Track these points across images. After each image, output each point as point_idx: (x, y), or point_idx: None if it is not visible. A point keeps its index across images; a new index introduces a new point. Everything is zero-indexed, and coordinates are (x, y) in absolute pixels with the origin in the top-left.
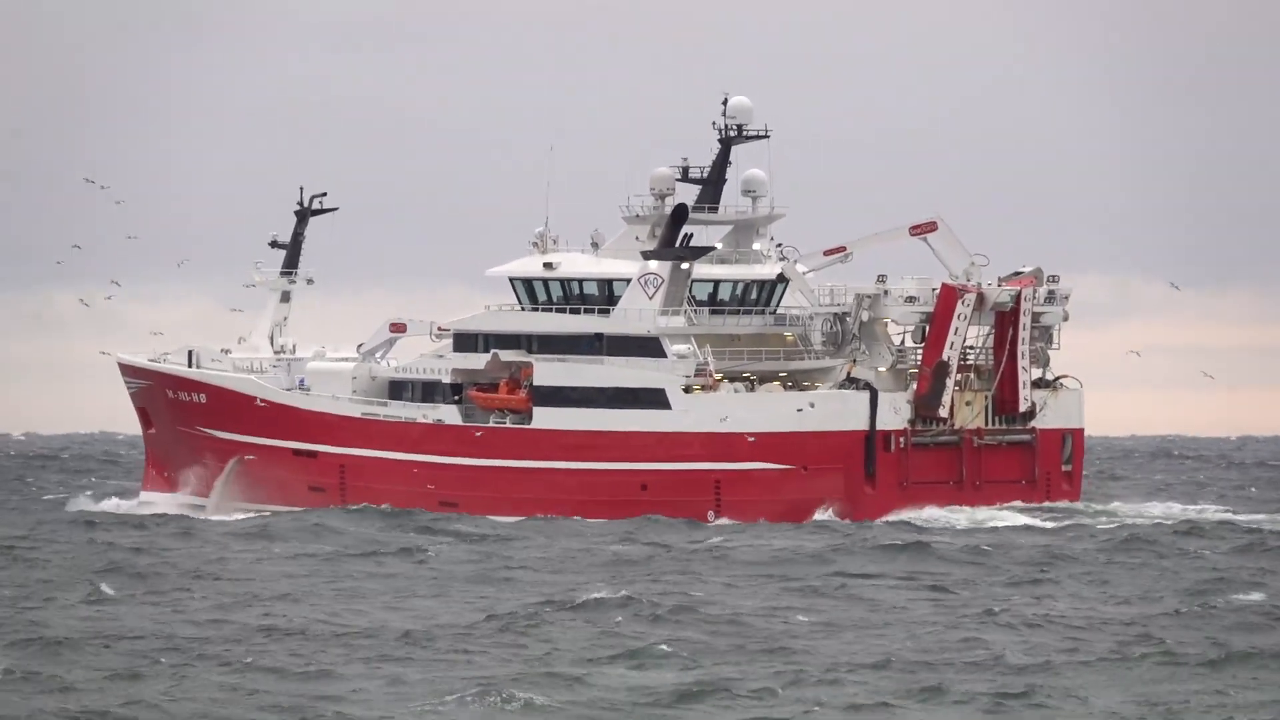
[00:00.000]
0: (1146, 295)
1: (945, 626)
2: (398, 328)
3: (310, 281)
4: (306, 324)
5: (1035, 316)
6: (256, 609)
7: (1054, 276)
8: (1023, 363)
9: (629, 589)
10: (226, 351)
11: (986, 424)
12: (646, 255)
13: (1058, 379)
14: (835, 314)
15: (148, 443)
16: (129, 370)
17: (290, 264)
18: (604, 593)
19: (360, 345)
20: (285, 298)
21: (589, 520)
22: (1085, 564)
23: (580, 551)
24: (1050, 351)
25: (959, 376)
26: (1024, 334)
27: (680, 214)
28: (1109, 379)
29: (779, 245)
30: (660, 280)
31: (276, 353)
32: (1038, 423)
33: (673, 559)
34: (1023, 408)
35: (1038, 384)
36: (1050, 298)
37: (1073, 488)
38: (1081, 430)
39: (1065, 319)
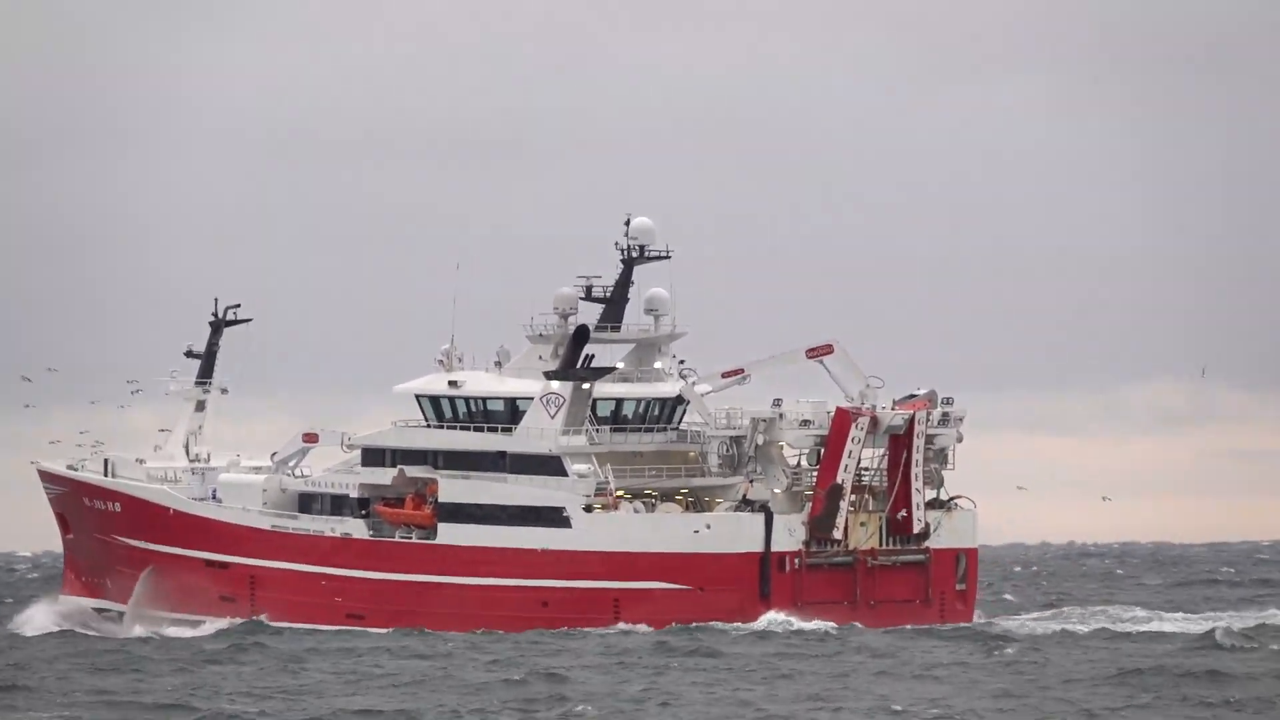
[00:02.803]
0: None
1: None
2: (310, 438)
3: (224, 391)
4: (223, 432)
5: (929, 439)
6: None
7: (948, 399)
8: (916, 484)
9: None
10: (141, 461)
11: (881, 544)
12: (549, 375)
13: (952, 499)
14: (731, 437)
15: (66, 547)
16: (48, 477)
17: (205, 374)
18: None
19: (274, 454)
20: (200, 407)
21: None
22: None
23: None
24: (945, 472)
25: (853, 498)
26: (918, 456)
27: (581, 335)
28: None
29: (681, 363)
30: (562, 400)
31: (191, 462)
32: (931, 543)
33: None
34: (916, 529)
35: (932, 505)
36: (944, 420)
37: (966, 607)
38: (975, 550)
39: (959, 440)
